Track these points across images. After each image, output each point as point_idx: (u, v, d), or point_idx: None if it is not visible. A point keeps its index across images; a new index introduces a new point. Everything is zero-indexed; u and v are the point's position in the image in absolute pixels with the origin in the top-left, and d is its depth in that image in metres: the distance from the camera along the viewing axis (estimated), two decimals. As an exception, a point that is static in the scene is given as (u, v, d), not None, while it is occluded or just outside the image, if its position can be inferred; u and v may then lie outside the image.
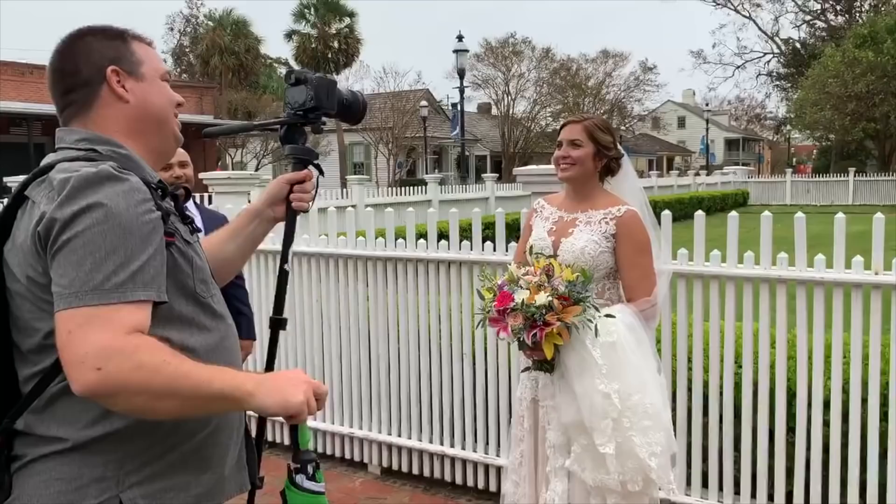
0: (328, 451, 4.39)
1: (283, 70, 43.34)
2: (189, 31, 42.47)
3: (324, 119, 1.81)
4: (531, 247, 2.61)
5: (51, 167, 1.35)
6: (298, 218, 1.84)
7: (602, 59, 42.22)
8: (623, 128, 42.74)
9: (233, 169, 28.25)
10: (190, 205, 2.82)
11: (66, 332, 1.22)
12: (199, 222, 2.68)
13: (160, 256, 1.31)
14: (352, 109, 1.85)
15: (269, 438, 4.50)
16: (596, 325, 2.33)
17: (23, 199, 1.35)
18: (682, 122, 62.93)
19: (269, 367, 1.78)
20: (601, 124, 2.67)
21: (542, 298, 2.29)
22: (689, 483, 3.34)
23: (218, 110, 28.68)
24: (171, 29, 42.16)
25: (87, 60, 1.44)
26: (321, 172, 1.84)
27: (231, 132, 2.05)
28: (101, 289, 1.22)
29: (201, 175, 4.99)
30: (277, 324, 1.79)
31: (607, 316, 2.39)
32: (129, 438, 1.33)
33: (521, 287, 2.36)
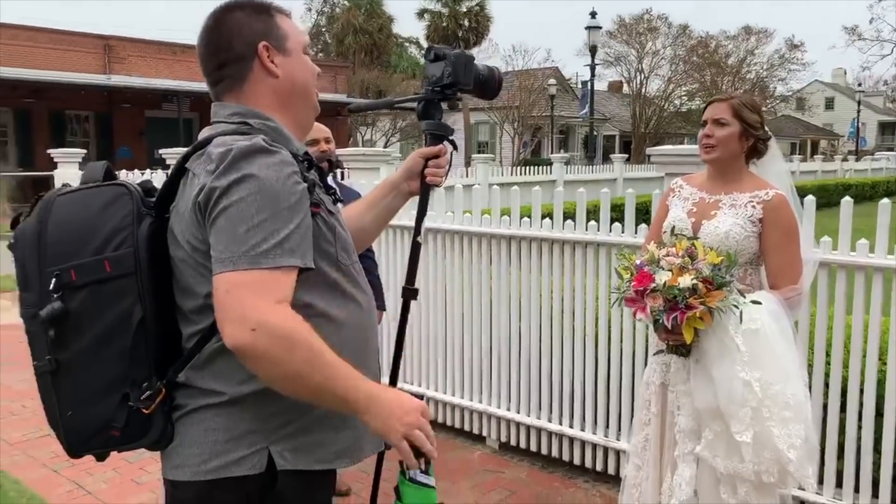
0: (448, 422, 4.50)
1: (413, 49, 44.03)
2: (326, 11, 43.87)
3: (460, 95, 1.84)
4: (673, 227, 2.53)
5: (208, 141, 1.44)
6: None
7: (744, 36, 39.92)
8: (764, 109, 40.38)
9: (363, 146, 29.06)
10: (328, 178, 2.95)
11: (223, 291, 1.31)
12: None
13: (306, 225, 1.38)
14: (488, 85, 1.87)
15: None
16: (741, 311, 2.25)
17: (184, 171, 1.45)
18: (829, 104, 58.76)
19: (401, 332, 1.84)
20: (748, 102, 2.55)
21: (686, 281, 2.22)
22: (821, 481, 3.18)
23: (351, 89, 29.52)
24: (310, 9, 43.71)
25: (240, 36, 1.50)
26: (455, 148, 1.87)
27: (374, 108, 2.13)
28: (253, 253, 1.31)
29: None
30: (410, 293, 1.85)
31: (754, 302, 2.29)
32: (277, 395, 1.41)
33: (663, 268, 2.29)
